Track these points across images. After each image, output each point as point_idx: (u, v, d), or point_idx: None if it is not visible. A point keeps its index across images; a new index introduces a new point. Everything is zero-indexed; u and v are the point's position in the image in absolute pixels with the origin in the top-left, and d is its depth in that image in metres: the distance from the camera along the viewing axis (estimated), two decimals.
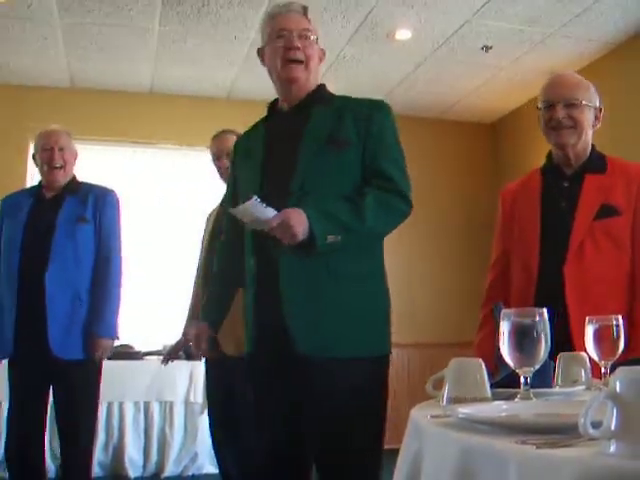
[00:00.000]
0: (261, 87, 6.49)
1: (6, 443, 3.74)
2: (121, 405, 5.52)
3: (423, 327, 7.08)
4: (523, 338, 1.54)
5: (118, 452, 5.49)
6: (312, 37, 2.55)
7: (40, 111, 6.27)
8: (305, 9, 2.61)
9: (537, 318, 1.55)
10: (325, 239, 2.24)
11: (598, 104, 2.70)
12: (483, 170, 7.40)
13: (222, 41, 5.68)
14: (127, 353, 5.61)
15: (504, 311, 1.58)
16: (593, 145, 2.72)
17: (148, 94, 6.73)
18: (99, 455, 5.46)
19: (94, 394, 3.72)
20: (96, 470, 5.36)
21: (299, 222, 2.20)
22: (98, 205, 3.73)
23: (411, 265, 7.20)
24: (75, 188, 3.78)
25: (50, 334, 3.47)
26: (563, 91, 2.64)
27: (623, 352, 1.80)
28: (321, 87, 2.63)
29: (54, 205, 3.69)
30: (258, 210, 2.20)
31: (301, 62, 2.52)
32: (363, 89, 6.62)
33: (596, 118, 2.70)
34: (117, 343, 5.29)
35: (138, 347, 5.86)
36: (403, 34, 5.55)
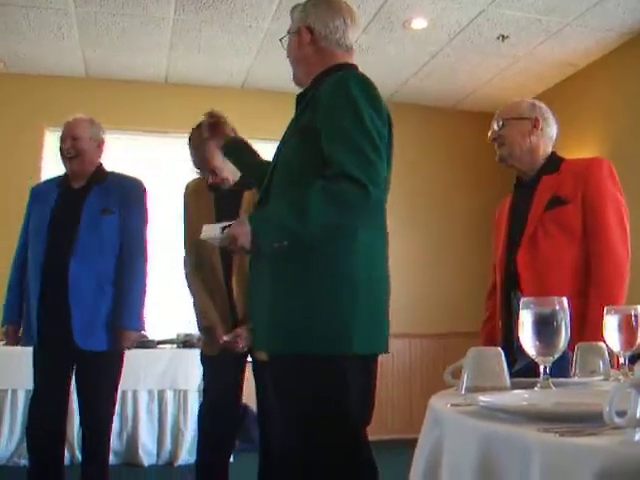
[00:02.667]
0: (275, 77, 6.53)
1: (27, 428, 3.75)
2: (135, 393, 5.54)
3: (437, 317, 7.09)
4: (543, 327, 1.53)
5: (132, 440, 5.51)
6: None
7: (55, 101, 6.30)
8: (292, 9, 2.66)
9: (557, 307, 1.54)
10: (270, 246, 2.26)
11: (534, 115, 3.00)
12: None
13: (237, 30, 5.68)
14: (141, 342, 5.61)
15: (524, 300, 1.57)
16: (553, 152, 3.03)
17: (163, 83, 6.72)
18: (113, 443, 5.43)
19: (115, 383, 3.74)
20: (110, 458, 5.37)
21: (242, 234, 2.23)
22: (124, 196, 3.71)
23: (426, 256, 7.21)
24: (101, 178, 3.76)
25: (74, 324, 3.48)
26: (494, 118, 3.07)
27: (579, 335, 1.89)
28: (316, 79, 2.52)
29: (80, 195, 3.67)
30: (213, 229, 2.36)
31: None
32: (378, 78, 6.56)
33: (534, 127, 2.98)
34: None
35: (152, 336, 5.87)
36: (419, 23, 5.53)
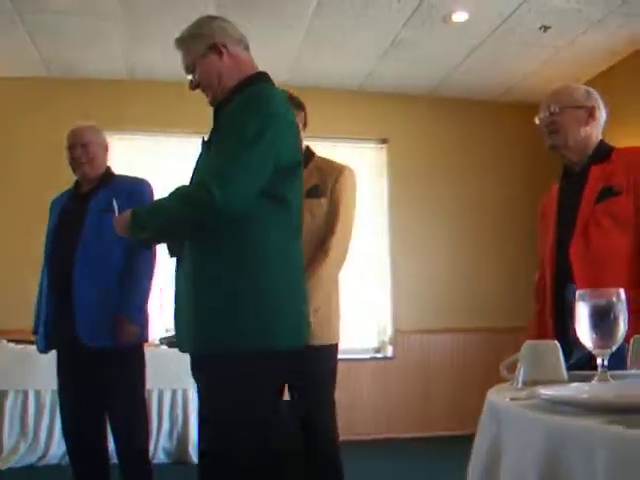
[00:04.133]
0: (316, 74, 6.53)
1: (64, 433, 3.83)
2: (185, 392, 5.59)
3: (480, 313, 7.05)
4: (601, 319, 1.52)
5: (182, 439, 5.56)
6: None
7: (98, 104, 6.37)
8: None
9: (614, 299, 1.52)
10: (136, 236, 2.49)
11: (590, 103, 2.89)
12: (545, 153, 7.27)
13: (277, 30, 5.70)
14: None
15: (579, 292, 1.56)
16: (602, 140, 2.91)
17: None
18: (164, 442, 5.55)
19: (135, 381, 3.74)
20: (161, 457, 5.45)
21: (120, 220, 2.48)
22: (129, 196, 3.68)
23: (472, 252, 7.18)
24: (108, 181, 3.82)
25: (78, 323, 3.50)
26: (547, 100, 2.93)
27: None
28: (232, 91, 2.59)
29: (86, 199, 3.73)
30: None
31: None
32: (419, 74, 6.59)
33: (590, 116, 2.87)
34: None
35: None
36: (460, 16, 5.49)
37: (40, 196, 4.04)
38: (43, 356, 3.85)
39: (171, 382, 5.39)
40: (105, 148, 3.91)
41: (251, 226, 2.36)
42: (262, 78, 2.60)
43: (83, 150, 3.79)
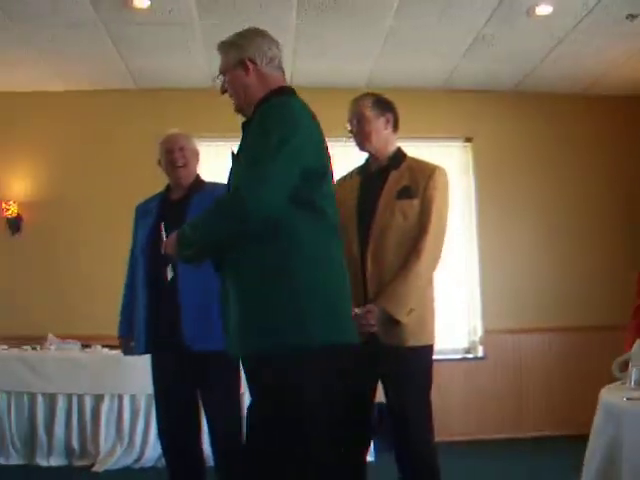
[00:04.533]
0: (400, 74, 6.51)
1: (159, 434, 3.88)
2: None
3: (570, 311, 6.91)
4: None
5: None
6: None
7: (184, 113, 6.49)
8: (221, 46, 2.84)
9: None
10: (183, 255, 2.59)
11: None
12: (636, 147, 7.08)
13: (359, 30, 5.70)
14: None
15: None
16: None
17: None
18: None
19: (231, 382, 3.75)
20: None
21: (169, 241, 2.65)
22: None
23: (561, 249, 7.06)
24: (200, 187, 3.86)
25: (184, 326, 3.54)
26: None
27: None
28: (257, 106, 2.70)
29: (181, 205, 3.75)
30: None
31: None
32: (504, 69, 6.51)
33: None
34: None
35: None
36: (543, 9, 5.37)
37: (131, 203, 4.10)
38: (138, 361, 3.92)
39: None
40: (196, 155, 3.97)
41: (285, 232, 2.47)
42: (286, 91, 2.70)
43: (180, 154, 3.86)
